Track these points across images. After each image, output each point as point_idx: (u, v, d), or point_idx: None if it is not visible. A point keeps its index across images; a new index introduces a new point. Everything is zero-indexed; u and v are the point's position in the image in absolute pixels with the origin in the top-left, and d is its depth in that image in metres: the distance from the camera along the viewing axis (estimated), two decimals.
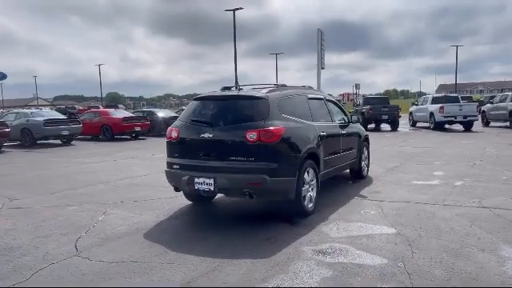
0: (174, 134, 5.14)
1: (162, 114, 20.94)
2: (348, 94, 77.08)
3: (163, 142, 5.98)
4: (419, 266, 3.55)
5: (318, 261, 3.75)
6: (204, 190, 4.83)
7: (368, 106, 21.42)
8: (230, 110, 5.01)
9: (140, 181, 7.97)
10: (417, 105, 22.77)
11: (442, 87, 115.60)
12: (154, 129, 19.54)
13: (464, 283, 3.23)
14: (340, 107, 7.14)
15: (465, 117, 18.72)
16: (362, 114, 20.44)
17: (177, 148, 5.16)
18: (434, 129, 19.53)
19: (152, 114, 20.46)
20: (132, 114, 19.71)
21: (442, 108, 18.94)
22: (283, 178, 4.70)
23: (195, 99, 5.50)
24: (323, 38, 41.89)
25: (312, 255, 3.90)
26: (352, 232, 4.58)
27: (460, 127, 19.56)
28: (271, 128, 4.65)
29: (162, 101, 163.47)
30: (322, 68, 43.62)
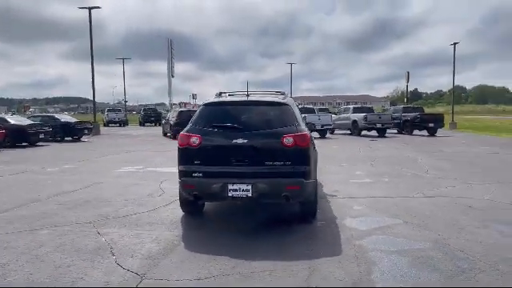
0: (196, 141, 4.83)
1: (14, 121, 17.83)
2: (185, 103, 77.82)
3: (29, 153, 5.54)
4: (461, 245, 4.32)
5: (384, 251, 4.18)
6: (240, 197, 4.71)
7: None
8: (259, 116, 5.01)
9: (81, 196, 6.92)
10: None
11: None
12: (6, 139, 16.53)
13: (505, 251, 4.13)
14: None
15: (322, 126, 21.56)
16: None
17: (198, 155, 4.85)
18: None
19: (4, 121, 17.23)
20: None
21: (304, 118, 21.33)
22: (312, 180, 4.97)
23: (209, 104, 5.26)
24: (173, 47, 41.42)
25: (373, 247, 4.31)
26: (371, 225, 5.15)
27: (316, 134, 22.44)
28: (304, 132, 4.88)
29: None
30: (172, 76, 42.88)
